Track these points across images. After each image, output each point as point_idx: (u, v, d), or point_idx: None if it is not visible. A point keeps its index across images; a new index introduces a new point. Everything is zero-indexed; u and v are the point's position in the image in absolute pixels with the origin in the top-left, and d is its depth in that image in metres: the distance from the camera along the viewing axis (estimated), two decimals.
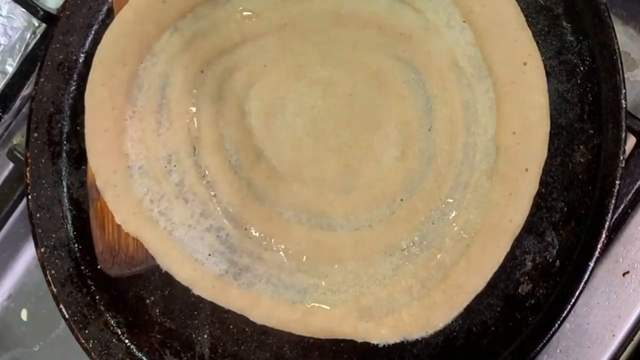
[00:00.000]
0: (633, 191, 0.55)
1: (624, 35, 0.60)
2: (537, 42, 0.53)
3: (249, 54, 0.57)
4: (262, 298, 0.54)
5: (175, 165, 0.56)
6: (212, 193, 0.56)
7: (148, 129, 0.57)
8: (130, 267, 0.56)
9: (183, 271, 0.55)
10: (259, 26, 0.57)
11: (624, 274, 0.56)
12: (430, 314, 0.52)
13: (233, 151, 0.56)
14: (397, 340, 0.53)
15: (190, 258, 0.55)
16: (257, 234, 0.55)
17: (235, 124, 0.56)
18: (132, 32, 0.57)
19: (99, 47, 0.57)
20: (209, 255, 0.55)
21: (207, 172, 0.56)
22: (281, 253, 0.55)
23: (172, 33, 0.57)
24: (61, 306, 0.56)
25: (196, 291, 0.55)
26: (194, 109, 0.57)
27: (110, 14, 0.60)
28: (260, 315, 0.54)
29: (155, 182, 0.56)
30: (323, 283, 0.54)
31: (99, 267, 0.56)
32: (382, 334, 0.53)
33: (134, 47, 0.57)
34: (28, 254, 0.68)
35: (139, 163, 0.56)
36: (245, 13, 0.57)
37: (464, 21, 0.54)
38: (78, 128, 0.60)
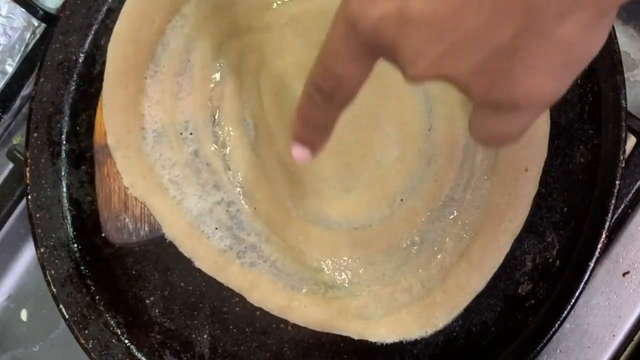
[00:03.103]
0: (633, 191, 0.55)
1: (624, 35, 0.60)
2: None
3: (254, 42, 0.57)
4: (262, 280, 0.54)
5: (191, 133, 0.55)
6: (228, 166, 0.55)
7: (168, 91, 0.55)
8: (136, 236, 0.55)
9: (188, 242, 0.55)
10: (261, 21, 0.57)
11: (624, 274, 0.56)
12: (430, 313, 0.52)
13: (252, 126, 0.55)
14: (397, 340, 0.53)
15: (197, 230, 0.54)
16: (263, 217, 0.55)
17: (255, 100, 0.55)
18: (148, 8, 0.56)
19: (127, 0, 0.56)
20: (216, 229, 0.54)
21: (225, 144, 0.55)
22: (283, 241, 0.55)
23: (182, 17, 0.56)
24: (61, 306, 0.56)
25: (198, 264, 0.55)
26: (218, 77, 0.55)
27: (109, 14, 0.60)
28: (259, 298, 0.54)
29: (169, 148, 0.55)
30: (323, 277, 0.54)
31: (102, 235, 0.56)
32: (382, 333, 0.53)
33: (163, 5, 0.55)
34: (28, 254, 0.68)
35: (154, 126, 0.55)
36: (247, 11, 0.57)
37: None
38: (78, 128, 0.60)
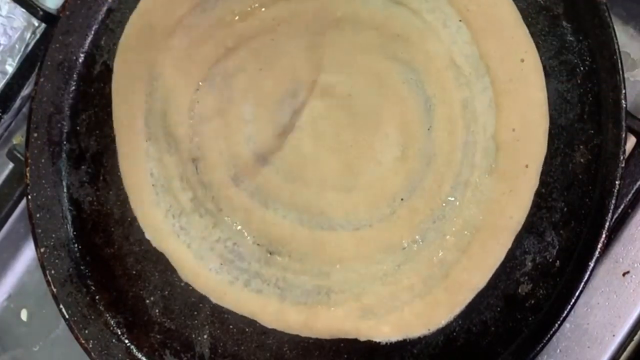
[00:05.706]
0: (633, 191, 0.55)
1: (624, 35, 0.60)
2: (537, 42, 0.53)
3: (243, 59, 0.57)
4: (270, 302, 0.55)
5: (187, 182, 0.58)
6: (220, 207, 0.57)
7: (163, 150, 0.59)
8: None
9: (199, 281, 0.57)
10: (250, 28, 0.57)
11: (624, 274, 0.56)
12: (432, 311, 0.52)
13: (231, 165, 0.58)
14: (400, 338, 0.53)
15: (205, 268, 0.57)
16: (262, 241, 0.56)
17: (233, 137, 0.58)
18: (134, 60, 0.59)
19: (113, 78, 0.60)
20: (221, 264, 0.57)
21: (211, 189, 0.58)
22: (285, 256, 0.55)
23: (165, 54, 0.58)
24: (61, 306, 0.56)
25: (214, 300, 0.56)
26: (191, 131, 0.58)
27: (109, 14, 0.61)
28: (270, 320, 0.55)
29: (174, 199, 0.58)
30: (326, 283, 0.55)
31: None
32: (385, 332, 0.53)
33: (139, 74, 0.59)
34: (28, 254, 0.68)
35: (161, 181, 0.59)
36: (236, 15, 0.57)
37: (460, 20, 0.54)
38: (78, 128, 0.60)
